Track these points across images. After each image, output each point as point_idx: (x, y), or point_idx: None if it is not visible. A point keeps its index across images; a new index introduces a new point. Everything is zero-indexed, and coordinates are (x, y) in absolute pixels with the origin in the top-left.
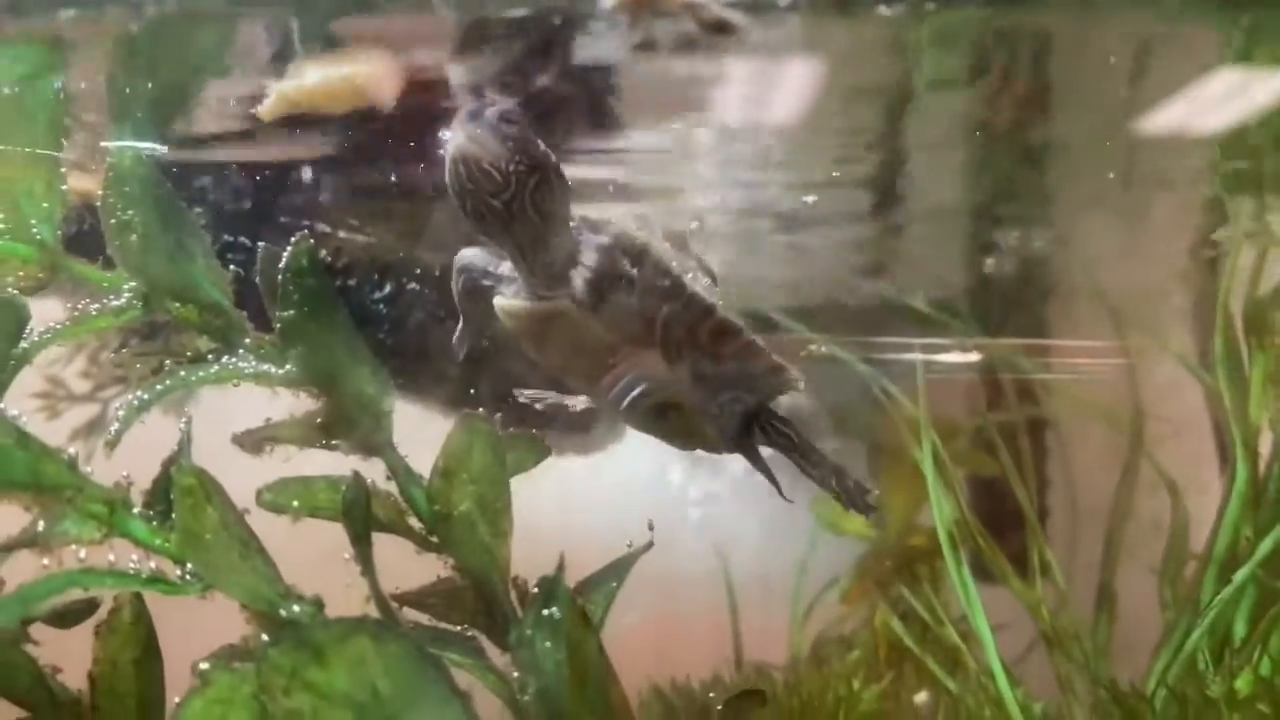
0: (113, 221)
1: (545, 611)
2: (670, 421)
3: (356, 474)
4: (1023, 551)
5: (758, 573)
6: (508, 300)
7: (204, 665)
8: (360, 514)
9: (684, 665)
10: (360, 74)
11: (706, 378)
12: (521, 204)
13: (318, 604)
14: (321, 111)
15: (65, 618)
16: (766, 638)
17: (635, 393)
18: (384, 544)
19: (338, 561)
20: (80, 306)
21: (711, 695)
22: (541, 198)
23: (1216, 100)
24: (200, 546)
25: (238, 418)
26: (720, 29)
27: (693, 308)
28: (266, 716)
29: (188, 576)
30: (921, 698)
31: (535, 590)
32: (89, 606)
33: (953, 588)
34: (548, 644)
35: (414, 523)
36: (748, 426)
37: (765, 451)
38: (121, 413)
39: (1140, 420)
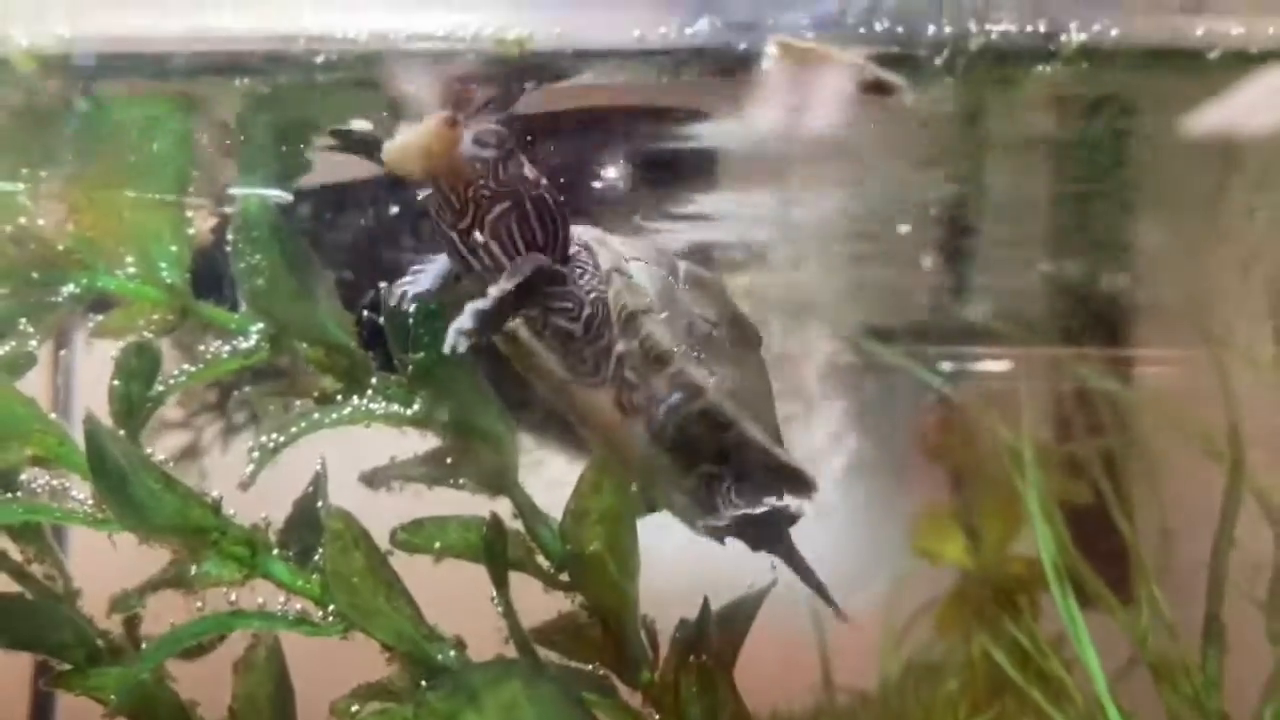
0: (241, 265)
1: (691, 658)
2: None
3: (495, 516)
4: (1114, 580)
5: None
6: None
7: (354, 707)
8: (500, 555)
9: (766, 691)
10: (422, 135)
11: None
12: (479, 230)
13: (460, 645)
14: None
15: (191, 650)
16: (850, 665)
17: None
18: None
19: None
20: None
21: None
22: (504, 229)
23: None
24: (348, 589)
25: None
26: (879, 90)
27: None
28: None
29: (330, 618)
30: None
31: (676, 634)
32: (214, 640)
33: (1047, 618)
34: (694, 689)
35: (541, 561)
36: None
37: None
38: (256, 454)
39: (1239, 440)
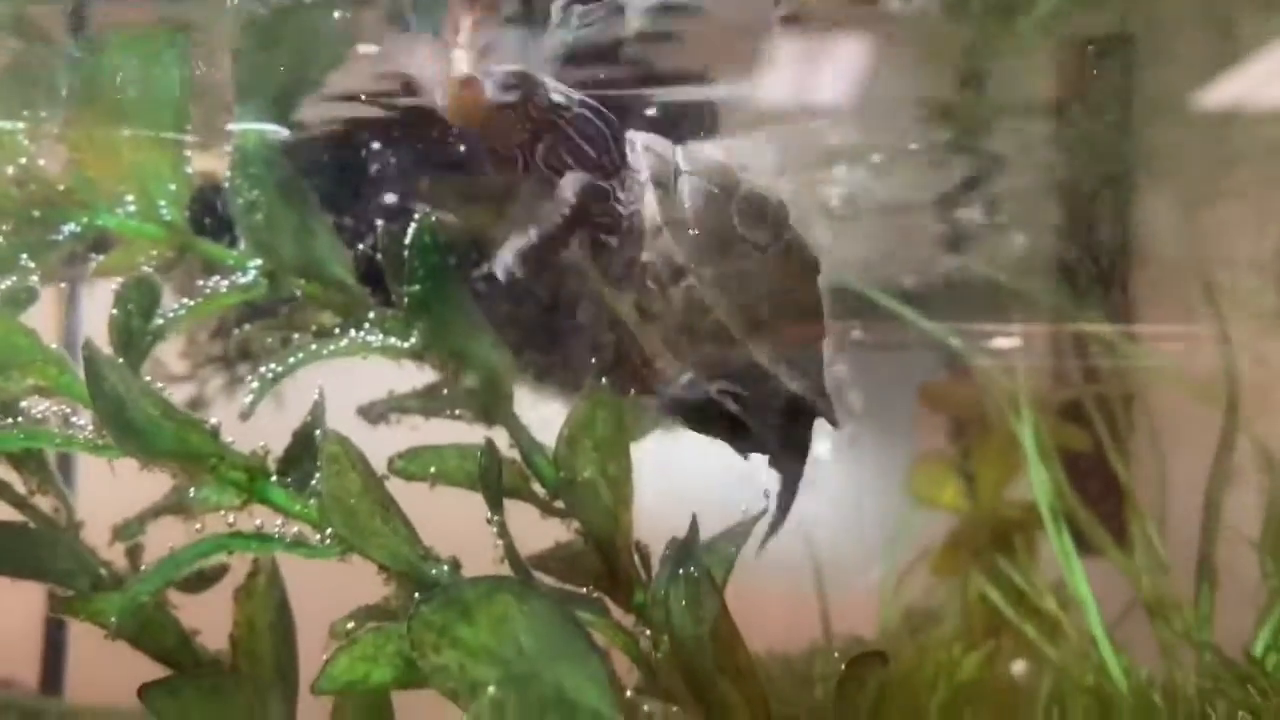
0: (239, 201)
1: (680, 571)
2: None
3: (490, 441)
4: (1113, 524)
5: (843, 545)
6: None
7: (349, 625)
8: (495, 481)
9: (767, 637)
10: (448, 104)
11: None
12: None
13: (455, 565)
14: None
15: (195, 583)
16: (852, 611)
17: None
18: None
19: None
20: None
21: (835, 655)
22: (556, 160)
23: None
24: (345, 511)
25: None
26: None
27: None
28: (409, 673)
29: (327, 540)
30: (1019, 667)
31: (666, 552)
32: (218, 572)
33: (1045, 561)
34: (683, 603)
35: (537, 489)
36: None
37: None
38: (255, 384)
39: (1236, 391)
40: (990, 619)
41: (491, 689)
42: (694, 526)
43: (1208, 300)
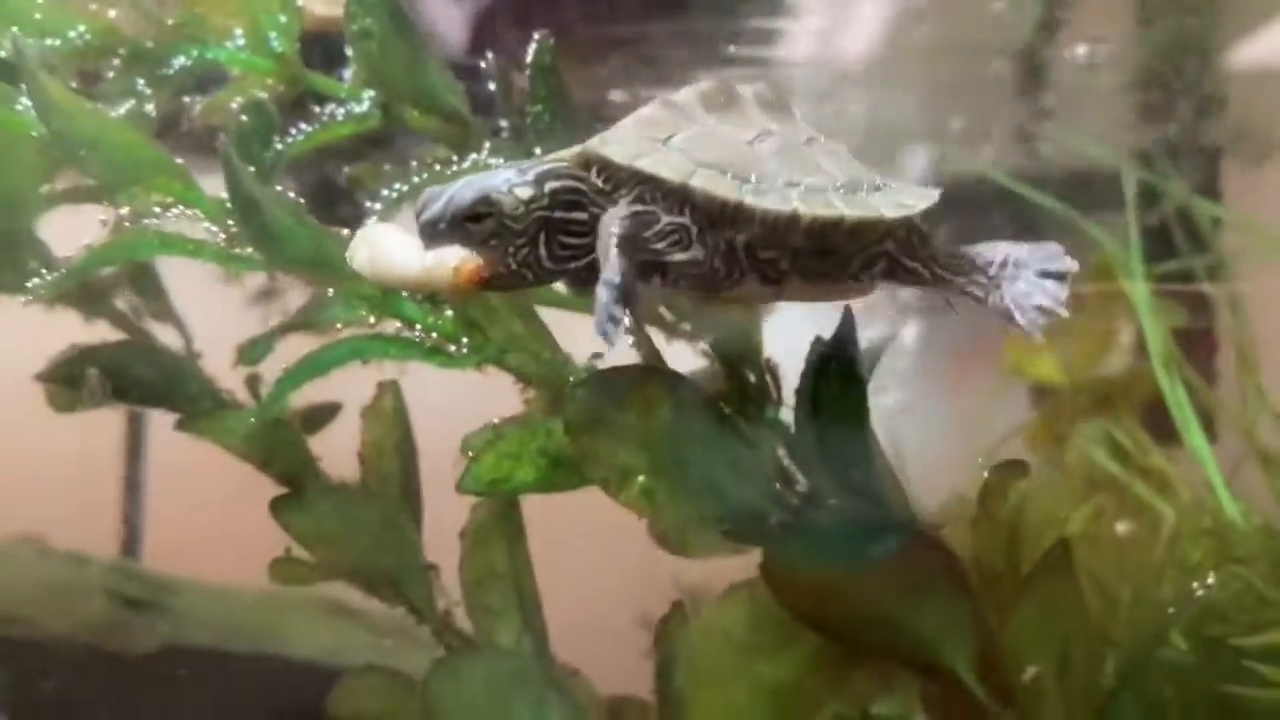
0: (354, 28)
1: (828, 363)
2: None
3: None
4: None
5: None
6: None
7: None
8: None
9: None
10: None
11: None
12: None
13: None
14: None
15: (309, 423)
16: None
17: None
18: None
19: None
20: None
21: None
22: (557, 245)
23: None
24: (485, 314)
25: None
26: None
27: None
28: (552, 473)
29: (464, 350)
30: (1123, 527)
31: (812, 346)
32: (331, 411)
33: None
34: (832, 393)
35: (664, 312)
36: None
37: None
38: (379, 206)
39: None
40: (1093, 482)
41: (641, 478)
42: (847, 317)
43: None
